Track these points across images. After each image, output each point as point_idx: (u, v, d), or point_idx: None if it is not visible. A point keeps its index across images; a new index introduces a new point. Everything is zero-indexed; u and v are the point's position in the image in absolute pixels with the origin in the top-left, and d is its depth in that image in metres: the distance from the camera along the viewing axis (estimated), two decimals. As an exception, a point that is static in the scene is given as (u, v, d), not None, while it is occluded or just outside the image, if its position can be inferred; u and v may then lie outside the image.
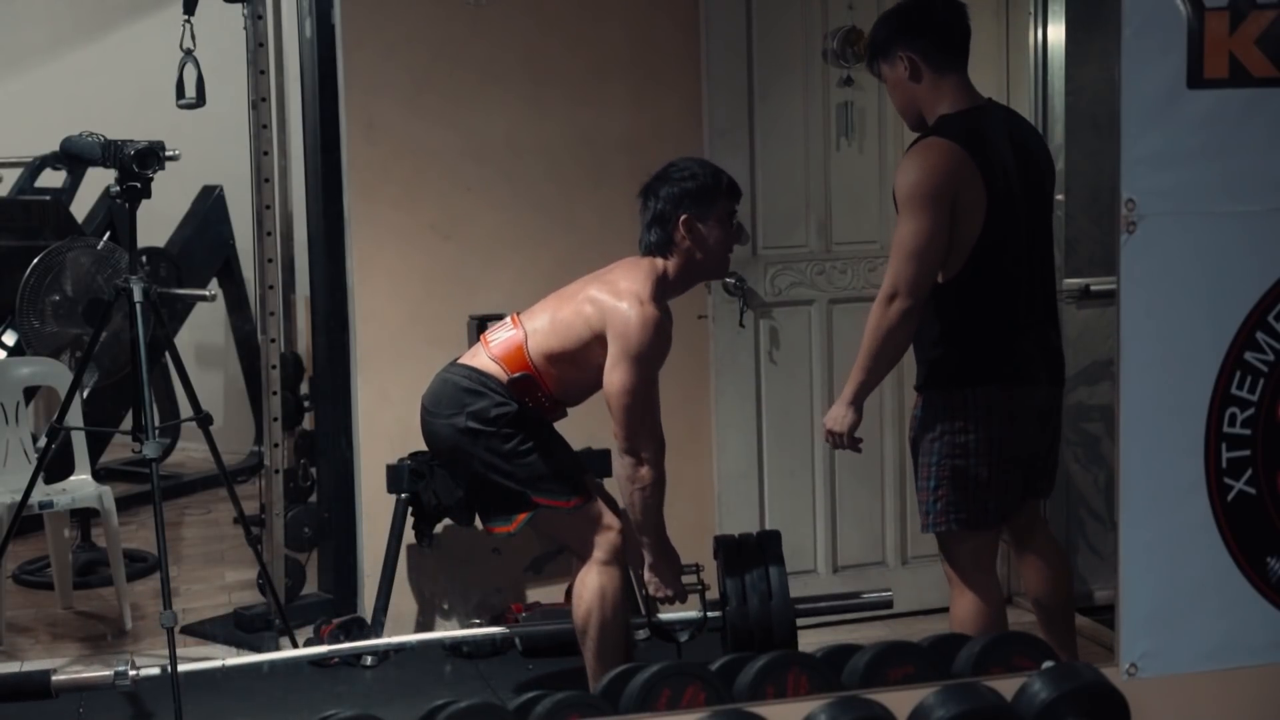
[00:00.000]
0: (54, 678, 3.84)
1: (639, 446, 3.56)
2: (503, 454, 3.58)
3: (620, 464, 3.60)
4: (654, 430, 3.59)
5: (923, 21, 3.51)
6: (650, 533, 3.66)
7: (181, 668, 3.83)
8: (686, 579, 3.78)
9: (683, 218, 3.61)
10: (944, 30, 3.51)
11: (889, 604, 4.12)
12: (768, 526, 4.73)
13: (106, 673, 3.82)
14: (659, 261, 3.65)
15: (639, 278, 3.61)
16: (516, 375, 3.60)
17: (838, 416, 3.54)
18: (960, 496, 3.48)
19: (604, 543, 3.66)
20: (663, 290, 3.63)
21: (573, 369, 3.62)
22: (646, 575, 3.73)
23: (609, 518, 3.69)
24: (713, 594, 3.87)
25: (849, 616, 4.70)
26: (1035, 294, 3.53)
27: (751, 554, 3.75)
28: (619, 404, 3.54)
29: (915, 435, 3.56)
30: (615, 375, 3.54)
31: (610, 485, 3.88)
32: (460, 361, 3.72)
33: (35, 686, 3.87)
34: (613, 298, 3.58)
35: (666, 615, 3.90)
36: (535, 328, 3.65)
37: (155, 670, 3.85)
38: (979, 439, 3.45)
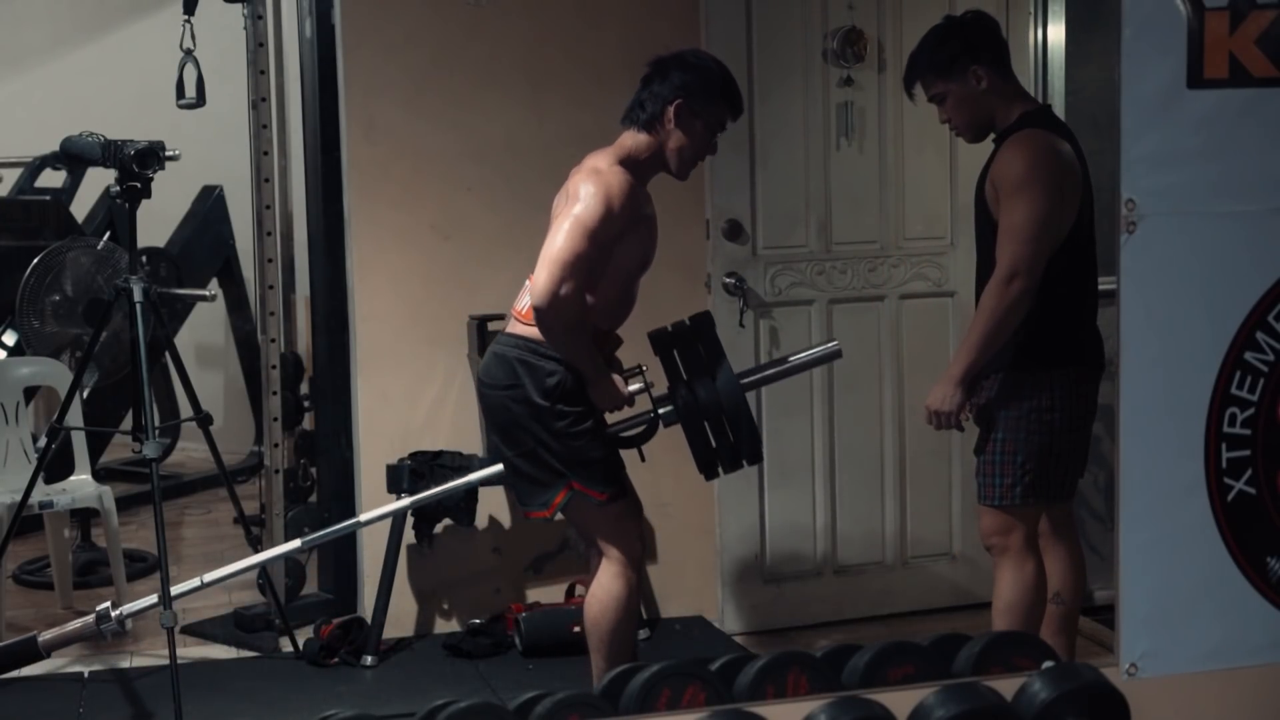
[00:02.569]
0: (41, 638, 3.84)
1: (558, 289, 3.45)
2: (555, 432, 3.56)
3: (537, 313, 3.49)
4: (577, 280, 3.46)
5: (987, 34, 3.72)
6: (577, 363, 3.55)
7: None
8: (634, 383, 3.67)
9: (678, 101, 3.59)
10: (1002, 38, 3.76)
11: (837, 354, 3.88)
12: (768, 526, 4.75)
13: (89, 619, 3.81)
14: (628, 137, 3.63)
15: (600, 154, 3.62)
16: None
17: (946, 396, 3.61)
18: (1044, 471, 3.65)
19: (624, 546, 3.65)
20: (628, 166, 3.60)
21: (592, 288, 3.56)
22: (590, 393, 3.61)
23: (634, 524, 3.69)
24: (660, 391, 3.70)
25: (849, 616, 4.71)
26: (1097, 284, 3.73)
27: (687, 339, 3.65)
28: (551, 246, 3.48)
29: (992, 413, 3.67)
30: (558, 222, 3.51)
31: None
32: (506, 331, 3.70)
33: (25, 651, 3.87)
34: (574, 174, 3.59)
35: (618, 420, 3.72)
36: None
37: (140, 604, 3.84)
38: (1063, 416, 3.64)
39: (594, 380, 3.60)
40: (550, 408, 3.55)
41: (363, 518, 4.10)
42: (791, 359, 3.90)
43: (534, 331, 3.59)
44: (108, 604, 3.81)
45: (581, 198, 3.51)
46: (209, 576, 3.90)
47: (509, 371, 3.59)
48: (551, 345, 3.55)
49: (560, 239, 3.48)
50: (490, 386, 3.65)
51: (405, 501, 4.13)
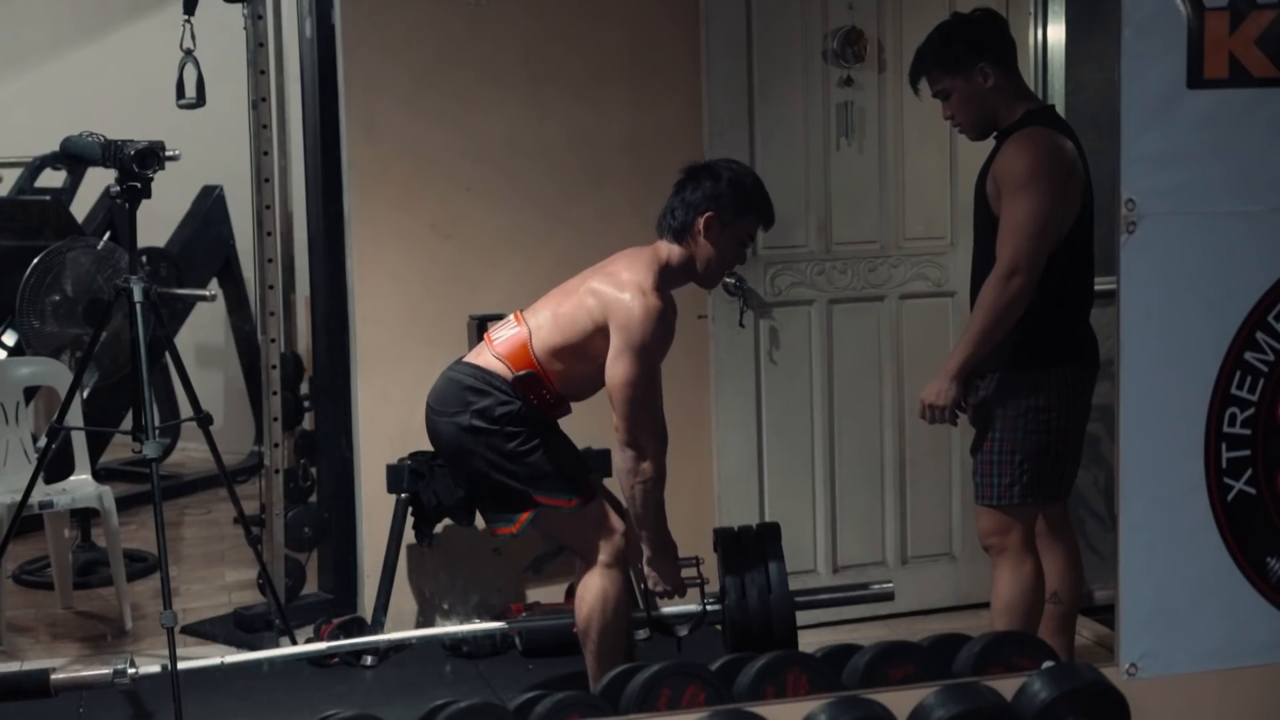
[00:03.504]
0: (53, 676, 3.84)
1: (640, 439, 3.55)
2: (505, 453, 3.57)
3: (621, 457, 3.59)
4: (656, 423, 3.58)
5: (995, 32, 3.73)
6: (650, 526, 3.65)
7: (182, 666, 3.82)
8: (686, 573, 3.77)
9: (709, 214, 3.61)
10: (1009, 37, 3.75)
11: (890, 596, 4.11)
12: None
13: (105, 671, 3.82)
14: (663, 247, 3.64)
15: (640, 268, 3.61)
16: (521, 373, 3.59)
17: (941, 390, 3.62)
18: (1042, 470, 3.65)
19: (607, 545, 3.65)
20: (664, 279, 3.62)
21: (577, 364, 3.61)
22: (645, 569, 3.72)
23: (612, 519, 3.68)
24: (712, 588, 3.86)
25: (849, 616, 4.71)
26: (1093, 283, 3.74)
27: (750, 547, 3.75)
28: (621, 396, 3.53)
29: (989, 412, 3.67)
30: (617, 367, 3.53)
31: (612, 485, 3.88)
32: (465, 360, 3.72)
33: (34, 685, 3.87)
34: (615, 289, 3.57)
35: (666, 610, 3.87)
36: (539, 324, 3.64)
37: (155, 668, 3.84)
38: (1060, 415, 3.64)
39: (659, 551, 3.68)
40: (500, 430, 3.57)
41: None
42: (848, 591, 4.18)
43: (497, 366, 3.62)
44: (128, 661, 3.80)
45: (636, 331, 3.52)
46: (230, 659, 4.01)
47: (458, 397, 3.61)
48: (630, 496, 3.61)
49: (629, 385, 3.51)
50: (439, 413, 3.65)
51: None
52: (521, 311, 3.72)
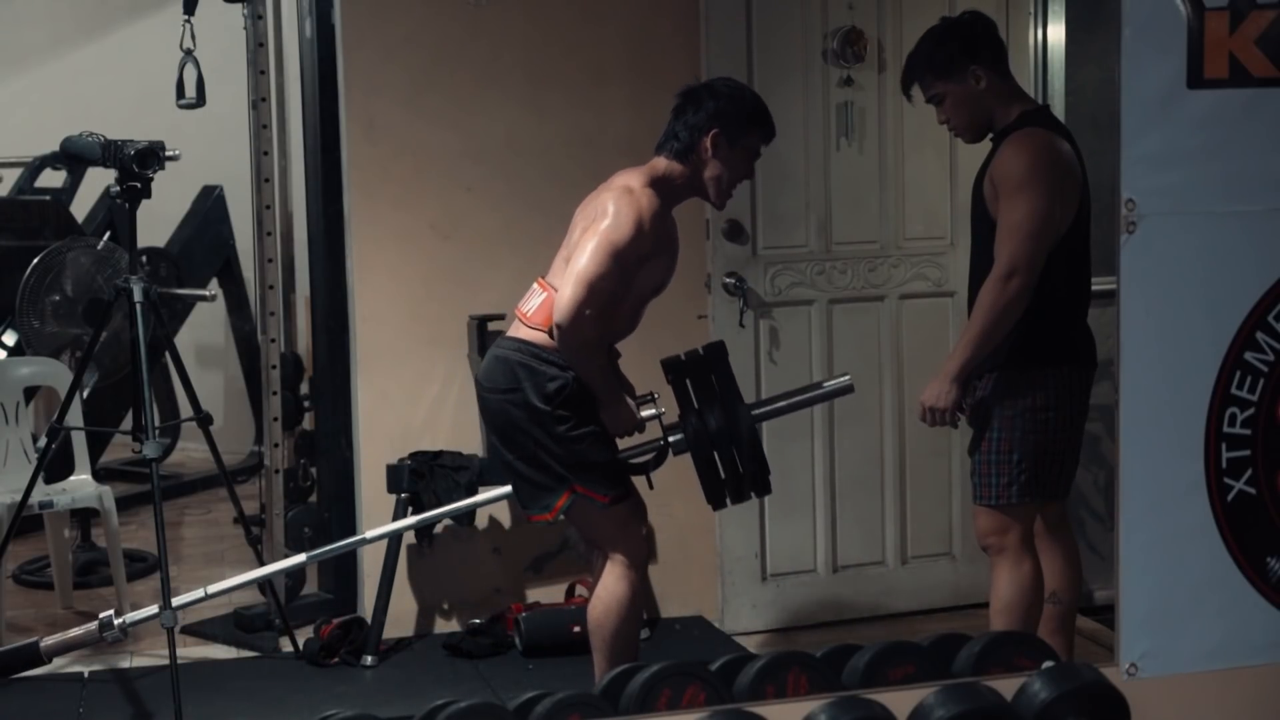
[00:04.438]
0: (43, 644, 3.84)
1: (583, 311, 3.45)
2: (555, 436, 3.54)
3: (559, 332, 3.48)
4: (601, 304, 3.47)
5: (985, 34, 3.73)
6: (593, 385, 3.55)
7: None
8: (645, 410, 3.67)
9: (714, 131, 3.60)
10: (999, 38, 3.76)
11: (849, 389, 3.87)
12: (767, 525, 4.74)
13: (92, 627, 3.81)
14: (662, 162, 3.63)
15: (632, 174, 3.60)
16: None
17: (941, 392, 3.62)
18: (1039, 470, 3.66)
19: (628, 549, 3.64)
20: (659, 187, 3.59)
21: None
22: (603, 417, 3.61)
23: (636, 524, 3.68)
24: (671, 419, 3.70)
25: (849, 616, 4.71)
26: (1090, 283, 3.74)
27: (700, 368, 3.64)
28: (577, 266, 3.46)
29: (987, 412, 3.67)
30: (586, 239, 3.48)
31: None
32: (508, 335, 3.68)
33: (27, 656, 3.86)
34: (605, 191, 3.57)
35: (628, 447, 3.72)
36: (560, 279, 3.57)
37: (142, 613, 3.85)
38: (1058, 415, 3.64)
39: (608, 403, 3.60)
40: (551, 412, 3.54)
41: (369, 534, 4.16)
42: (803, 394, 3.92)
43: (538, 336, 3.58)
44: (110, 611, 3.81)
45: (611, 216, 3.49)
46: (213, 588, 3.91)
47: (509, 375, 3.58)
48: (568, 361, 3.53)
49: (589, 258, 3.46)
50: (490, 390, 3.63)
51: (410, 521, 4.17)
52: (542, 278, 3.68)
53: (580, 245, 3.50)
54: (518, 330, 3.65)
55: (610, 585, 3.64)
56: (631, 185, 3.56)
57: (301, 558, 4.05)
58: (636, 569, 3.65)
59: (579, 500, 3.58)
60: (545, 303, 3.59)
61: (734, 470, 3.58)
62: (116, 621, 3.76)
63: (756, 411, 3.69)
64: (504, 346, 3.65)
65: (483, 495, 4.07)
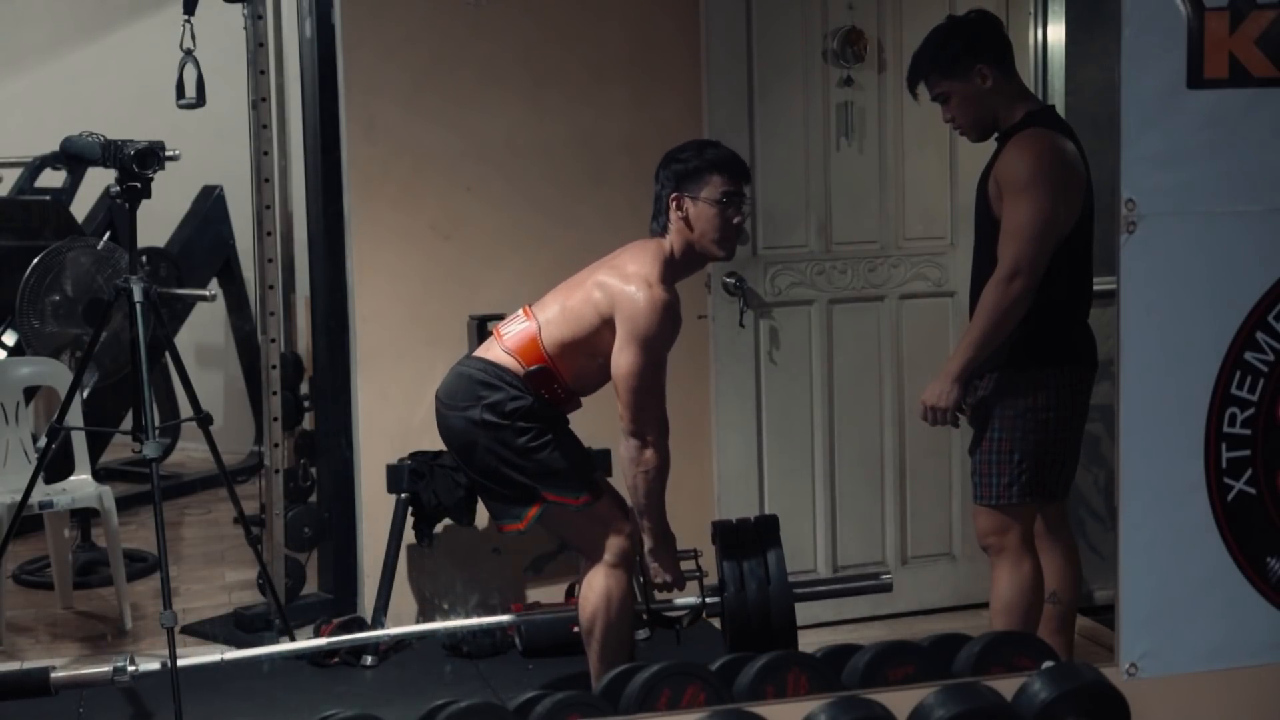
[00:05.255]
0: (53, 675, 3.84)
1: (645, 429, 3.56)
2: (516, 448, 3.57)
3: (626, 447, 3.59)
4: (659, 414, 3.59)
5: (991, 33, 3.73)
6: (652, 517, 3.65)
7: (181, 663, 3.83)
8: (685, 565, 3.76)
9: (674, 197, 3.62)
10: (1005, 37, 3.76)
11: (888, 588, 4.10)
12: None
13: (105, 669, 3.81)
14: (664, 242, 3.65)
15: (646, 260, 3.61)
16: (533, 368, 3.59)
17: (942, 392, 3.62)
18: (1040, 470, 3.66)
19: (612, 545, 3.65)
20: (670, 271, 3.62)
21: (586, 357, 3.61)
22: (647, 560, 3.71)
23: (618, 519, 3.68)
24: (711, 580, 3.84)
25: (849, 616, 4.71)
26: (1092, 283, 3.75)
27: (749, 539, 3.74)
28: (626, 386, 3.54)
29: (987, 412, 3.68)
30: (623, 358, 3.54)
31: (614, 483, 3.88)
32: (475, 355, 3.71)
33: (34, 684, 3.87)
34: (621, 281, 3.58)
35: (666, 603, 3.87)
36: (548, 318, 3.63)
37: (155, 665, 3.85)
38: (1059, 415, 3.65)
39: (660, 543, 3.69)
40: (511, 425, 3.56)
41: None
42: (846, 583, 4.23)
43: (507, 360, 3.61)
44: (127, 659, 3.80)
45: (642, 323, 3.53)
46: (229, 655, 4.03)
47: (469, 392, 3.61)
48: (633, 487, 3.62)
49: (634, 376, 3.53)
50: (449, 407, 3.65)
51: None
52: (530, 305, 3.71)
53: (619, 362, 3.53)
54: (488, 351, 3.67)
55: (597, 584, 3.64)
56: (648, 277, 3.57)
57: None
58: (622, 565, 3.65)
59: (551, 508, 3.60)
60: (525, 333, 3.64)
61: (761, 639, 3.62)
62: (130, 669, 3.77)
63: (798, 592, 3.77)
64: (469, 365, 3.67)
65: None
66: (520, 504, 3.60)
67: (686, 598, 3.84)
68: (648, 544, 3.69)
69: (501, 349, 3.64)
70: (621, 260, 3.64)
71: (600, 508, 3.64)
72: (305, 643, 4.32)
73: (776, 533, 3.77)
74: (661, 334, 3.54)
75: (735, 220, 3.66)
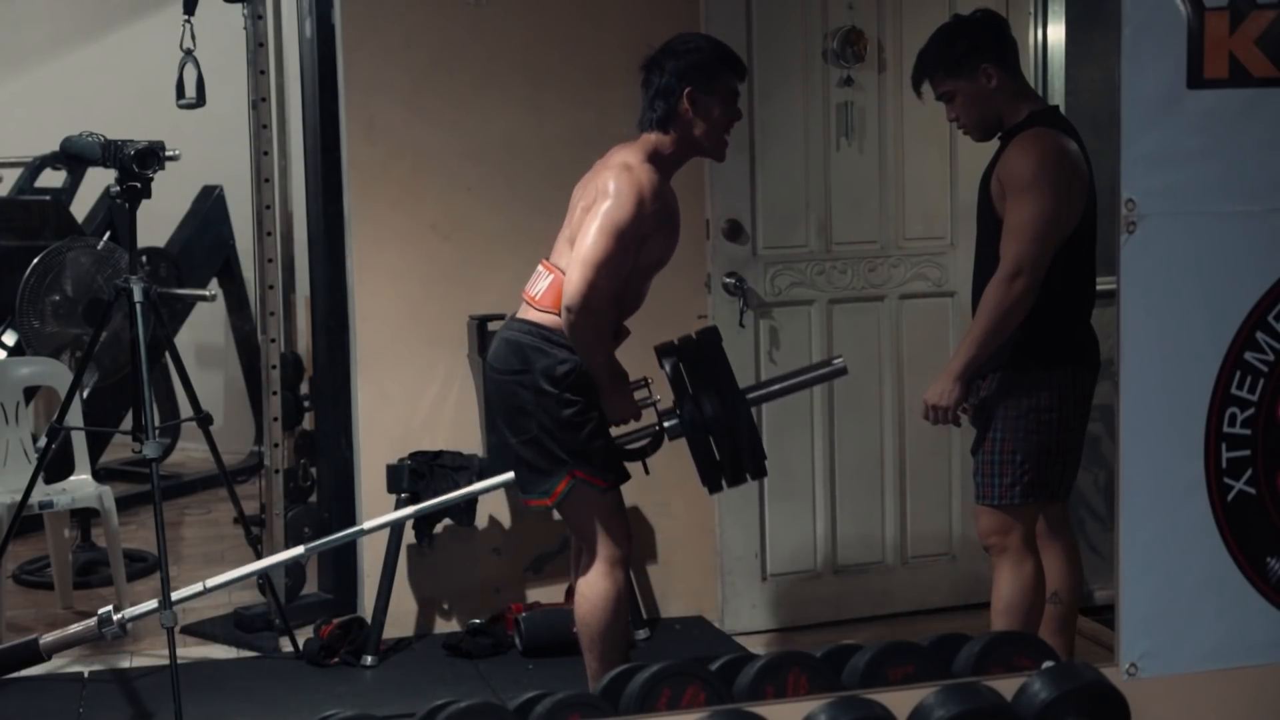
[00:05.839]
0: (42, 640, 3.83)
1: (592, 298, 3.45)
2: (560, 420, 3.54)
3: (566, 315, 3.49)
4: (610, 290, 3.49)
5: (996, 32, 3.73)
6: (595, 367, 3.56)
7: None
8: (638, 394, 3.68)
9: (687, 90, 3.58)
10: (1010, 37, 3.75)
11: (843, 371, 3.89)
12: (767, 525, 4.74)
13: (91, 623, 3.80)
14: (652, 136, 3.61)
15: (628, 150, 3.59)
16: None
17: (944, 391, 3.62)
18: (1042, 470, 3.66)
19: (616, 542, 3.63)
20: (657, 161, 3.59)
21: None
22: (603, 402, 3.62)
23: (623, 519, 3.68)
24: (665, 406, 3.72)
25: (849, 616, 4.71)
26: (1095, 283, 3.75)
27: (693, 353, 3.65)
28: (583, 248, 3.45)
29: (990, 412, 3.68)
30: (590, 222, 3.48)
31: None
32: (518, 317, 3.67)
33: (27, 654, 3.86)
34: (603, 169, 3.57)
35: (623, 432, 3.74)
36: (565, 260, 3.58)
37: (141, 609, 3.85)
38: (1061, 416, 3.64)
39: (610, 389, 3.60)
40: (558, 395, 3.54)
41: (366, 525, 4.14)
42: (797, 376, 3.92)
43: (547, 318, 3.58)
44: (109, 607, 3.81)
45: (613, 195, 3.48)
46: (212, 581, 3.89)
47: (519, 356, 3.58)
48: (574, 346, 3.53)
49: (593, 241, 3.46)
50: (499, 371, 3.63)
51: (408, 511, 4.15)
52: (546, 260, 3.68)
53: (584, 228, 3.50)
54: (526, 313, 3.64)
55: (595, 581, 3.63)
56: (629, 162, 3.55)
57: (300, 549, 4.03)
58: (621, 565, 3.65)
59: (578, 486, 3.57)
60: (552, 284, 3.59)
61: (730, 454, 3.58)
62: (116, 617, 3.75)
63: (751, 395, 3.69)
64: (513, 329, 3.64)
65: (483, 484, 4.04)
66: (551, 477, 3.58)
67: (645, 427, 3.73)
68: (601, 390, 3.59)
69: (536, 308, 3.60)
70: (603, 159, 3.63)
71: (616, 499, 3.63)
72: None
73: (719, 344, 3.66)
74: (637, 206, 3.48)
75: (737, 117, 3.66)
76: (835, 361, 3.89)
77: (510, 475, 3.76)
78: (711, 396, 3.57)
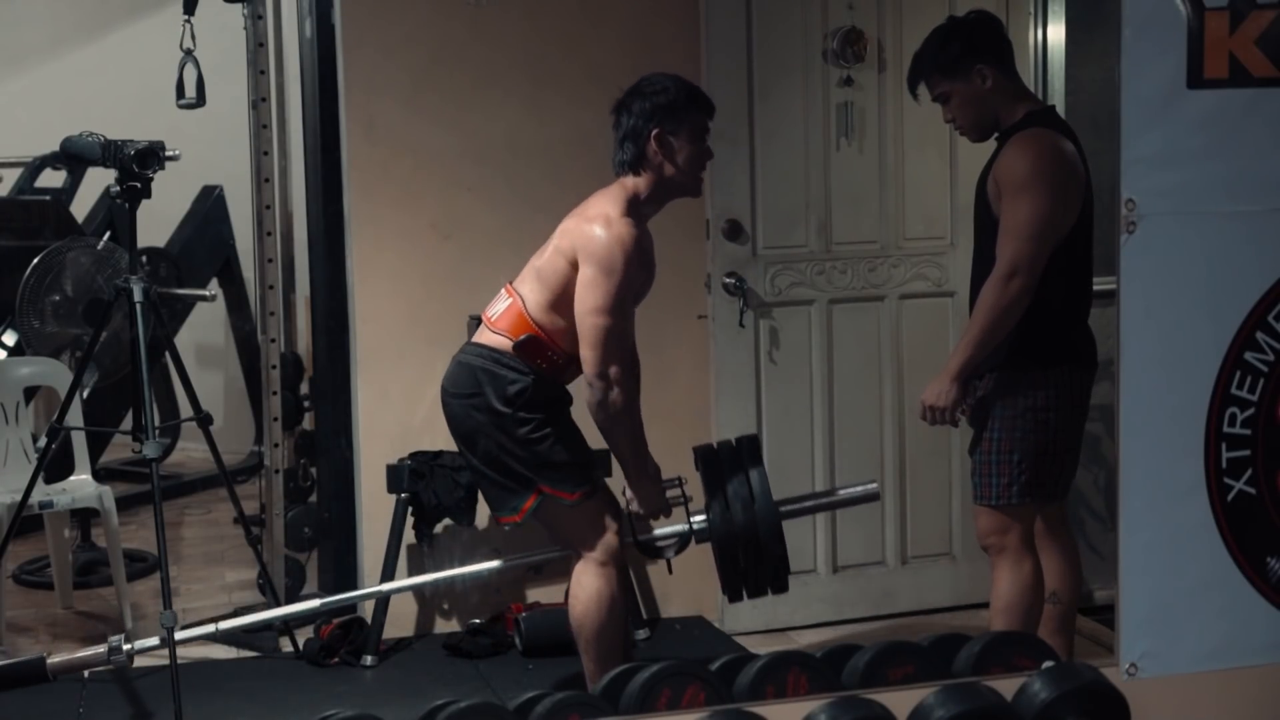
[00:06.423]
0: (49, 661, 3.84)
1: (608, 369, 3.50)
2: (517, 438, 3.56)
3: (590, 393, 3.54)
4: (624, 354, 3.54)
5: (992, 33, 3.74)
6: (627, 454, 3.61)
7: (180, 650, 3.83)
8: (670, 494, 3.71)
9: (654, 131, 3.58)
10: (1006, 37, 3.76)
11: (875, 496, 3.98)
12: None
13: (100, 650, 3.81)
14: (629, 181, 3.62)
15: (607, 200, 3.60)
16: (521, 339, 3.58)
17: (942, 391, 3.63)
18: (1040, 470, 3.66)
19: (603, 544, 3.64)
20: (635, 208, 3.60)
21: (570, 311, 3.58)
22: (628, 494, 3.68)
23: (610, 519, 3.68)
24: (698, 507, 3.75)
25: (849, 616, 4.71)
26: (1092, 283, 3.75)
27: (731, 460, 3.68)
28: (588, 324, 3.50)
29: (987, 412, 3.68)
30: (585, 294, 3.51)
31: (612, 484, 3.87)
32: (472, 341, 3.71)
33: (31, 672, 3.86)
34: (582, 222, 3.57)
35: (654, 532, 3.77)
36: (527, 288, 3.63)
37: (152, 641, 3.86)
38: (1058, 415, 3.64)
39: (638, 477, 3.64)
40: (512, 414, 3.56)
41: (384, 587, 4.30)
42: (833, 495, 4.07)
43: (500, 341, 3.61)
44: (120, 637, 3.83)
45: (604, 260, 3.50)
46: (225, 624, 3.99)
47: (471, 380, 3.61)
48: (607, 426, 3.56)
49: (594, 312, 3.49)
50: (453, 395, 3.66)
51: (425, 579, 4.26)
52: (510, 284, 3.71)
53: (581, 299, 3.51)
54: (482, 336, 3.68)
55: (586, 583, 3.63)
56: (609, 214, 3.56)
57: (315, 603, 4.19)
58: (613, 563, 3.65)
59: (546, 500, 3.59)
60: (510, 309, 3.64)
61: (754, 567, 3.59)
62: (125, 647, 3.78)
63: (785, 509, 3.70)
64: (468, 352, 3.68)
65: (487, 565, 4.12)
66: (518, 495, 3.60)
67: (675, 525, 3.75)
68: (628, 479, 3.65)
69: (491, 331, 3.64)
70: (583, 206, 3.64)
71: (594, 505, 3.64)
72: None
73: (758, 452, 3.69)
74: (625, 268, 3.50)
75: (708, 157, 3.68)
76: (869, 486, 3.95)
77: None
78: (744, 508, 3.59)
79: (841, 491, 4.02)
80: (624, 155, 3.62)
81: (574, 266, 3.55)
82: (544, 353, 3.60)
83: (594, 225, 3.54)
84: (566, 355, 3.62)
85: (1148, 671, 2.81)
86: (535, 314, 3.60)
